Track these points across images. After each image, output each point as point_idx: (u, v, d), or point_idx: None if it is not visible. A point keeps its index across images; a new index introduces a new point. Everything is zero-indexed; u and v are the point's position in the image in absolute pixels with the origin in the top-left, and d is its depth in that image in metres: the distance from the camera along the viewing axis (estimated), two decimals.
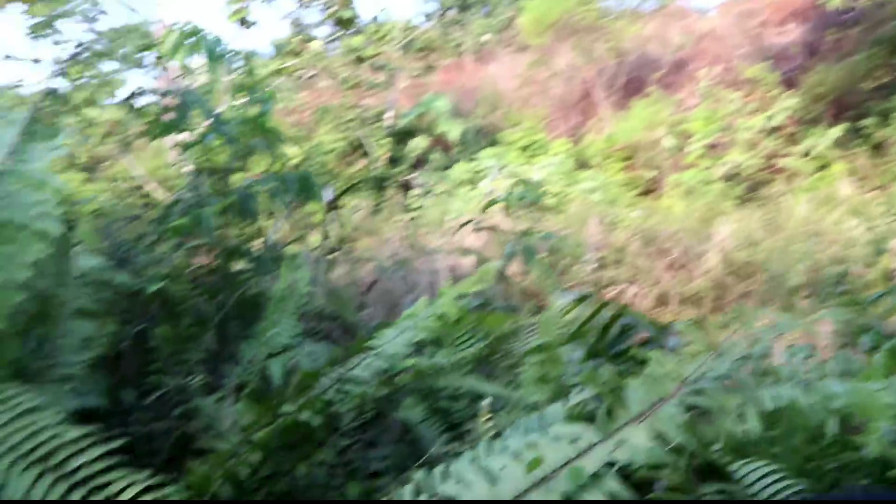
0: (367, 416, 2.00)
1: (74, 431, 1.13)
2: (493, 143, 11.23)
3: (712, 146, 9.82)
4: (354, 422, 1.95)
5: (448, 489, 1.17)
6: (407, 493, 1.31)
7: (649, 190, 10.80)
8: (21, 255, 1.21)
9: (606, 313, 1.30)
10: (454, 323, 2.44)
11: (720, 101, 10.04)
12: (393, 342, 2.09)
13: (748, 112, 9.78)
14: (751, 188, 9.45)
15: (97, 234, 2.80)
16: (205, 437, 1.99)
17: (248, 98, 3.10)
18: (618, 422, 1.21)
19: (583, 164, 11.04)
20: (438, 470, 1.31)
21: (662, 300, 7.04)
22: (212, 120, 2.68)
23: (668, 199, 9.92)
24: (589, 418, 1.26)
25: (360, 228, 7.27)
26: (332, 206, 2.20)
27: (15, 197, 1.25)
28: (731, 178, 9.47)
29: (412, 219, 8.59)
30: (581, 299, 1.30)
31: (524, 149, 11.08)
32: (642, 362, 1.30)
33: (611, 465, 1.12)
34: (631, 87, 11.55)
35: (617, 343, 1.31)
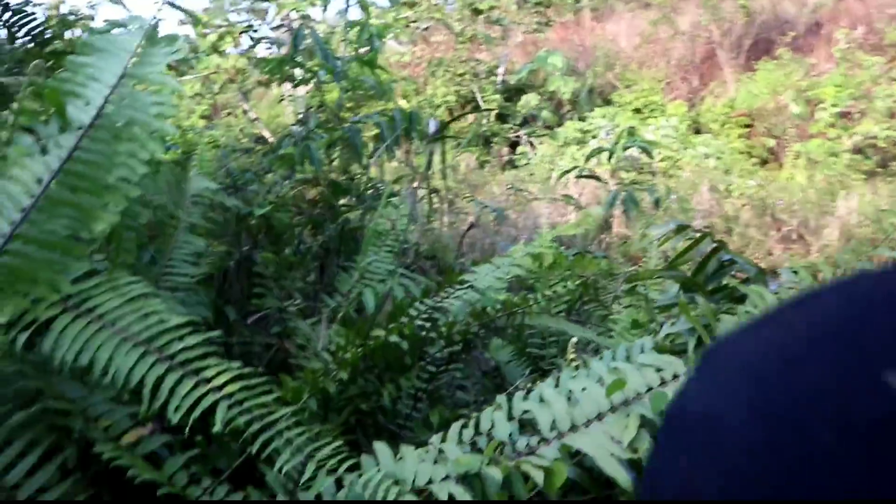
0: (456, 349, 2.02)
1: (177, 319, 1.20)
2: (606, 104, 10.95)
3: (844, 115, 9.19)
4: (442, 352, 1.97)
5: (527, 406, 1.17)
6: (486, 414, 1.33)
7: (768, 159, 10.27)
8: (139, 152, 1.28)
9: (705, 247, 1.25)
10: (550, 266, 2.43)
11: (858, 66, 9.36)
12: (487, 277, 2.10)
13: (889, 78, 9.07)
14: (883, 161, 8.82)
15: (212, 162, 2.93)
16: (299, 356, 2.08)
17: (359, 37, 3.14)
18: None
19: (699, 129, 10.61)
20: (520, 393, 1.32)
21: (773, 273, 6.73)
22: (322, 54, 2.73)
23: (789, 169, 9.41)
24: (678, 352, 1.22)
25: (465, 181, 7.28)
26: (436, 138, 2.20)
27: (136, 97, 1.32)
28: (861, 149, 8.85)
29: (517, 175, 8.53)
30: (679, 229, 1.25)
31: (638, 110, 10.75)
32: (740, 299, 1.25)
33: None
34: (759, 49, 10.94)
35: (714, 278, 1.26)
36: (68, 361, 1.10)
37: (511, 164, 9.66)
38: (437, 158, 2.51)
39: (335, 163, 2.96)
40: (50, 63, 2.13)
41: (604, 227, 2.99)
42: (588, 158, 2.99)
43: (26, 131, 1.33)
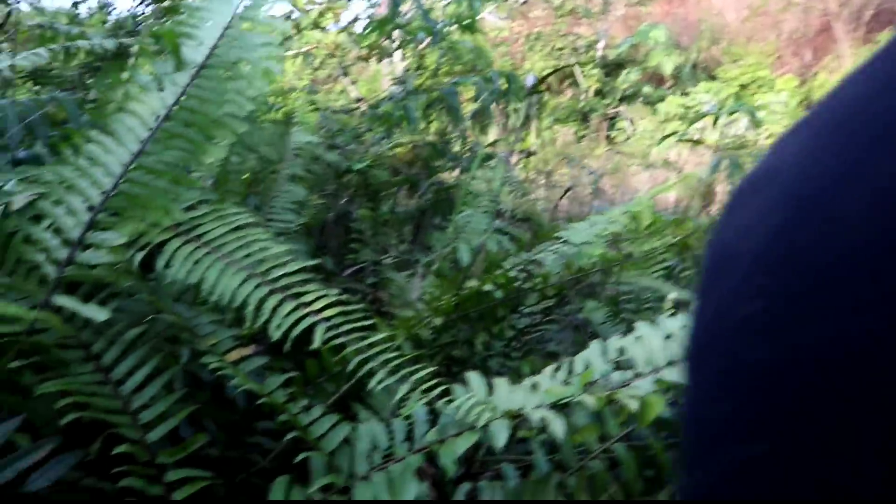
0: (549, 304, 2.01)
1: (280, 248, 1.25)
2: (710, 79, 10.56)
3: None
4: (536, 306, 1.97)
5: (623, 344, 1.15)
6: (581, 356, 1.31)
7: None
8: (247, 90, 1.34)
9: None
10: (647, 227, 2.37)
11: None
12: (583, 233, 2.08)
13: None
14: None
15: (313, 122, 3.01)
16: (394, 305, 2.12)
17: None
18: None
19: (810, 106, 10.08)
20: (615, 336, 1.30)
21: None
22: (422, 15, 2.74)
23: None
24: None
25: (560, 154, 7.20)
26: (533, 91, 2.18)
27: (245, 38, 1.37)
28: None
29: (615, 150, 8.36)
30: None
31: (744, 86, 10.31)
32: None
33: None
34: (881, 20, 10.26)
35: None
36: (179, 280, 1.17)
37: (609, 140, 9.48)
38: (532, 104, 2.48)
39: (432, 124, 2.98)
40: (164, 17, 2.24)
41: (706, 196, 2.90)
42: (691, 123, 2.89)
43: (145, 70, 1.40)
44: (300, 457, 1.06)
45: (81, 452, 1.15)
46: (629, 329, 2.27)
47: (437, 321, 1.83)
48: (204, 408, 1.31)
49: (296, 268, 1.21)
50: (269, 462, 1.47)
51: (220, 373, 1.11)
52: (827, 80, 10.47)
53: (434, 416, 1.19)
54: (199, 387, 1.41)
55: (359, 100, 3.38)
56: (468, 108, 3.32)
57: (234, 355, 1.21)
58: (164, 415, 1.20)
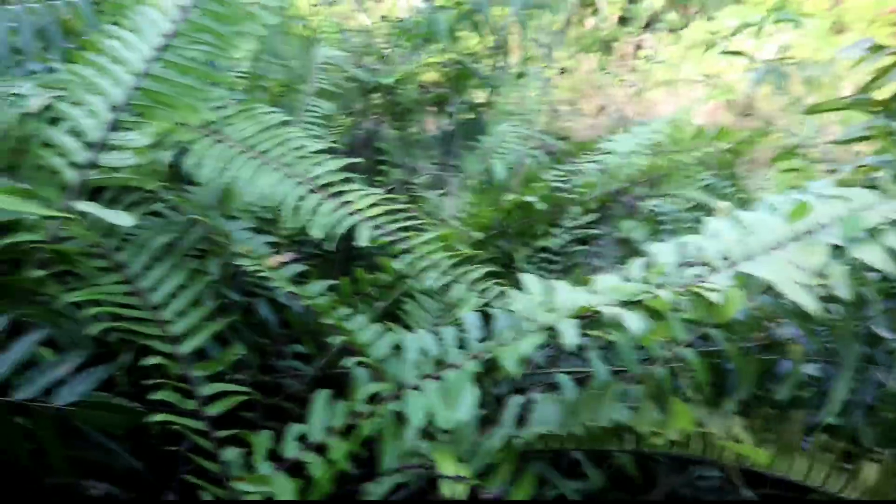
0: (591, 219, 1.92)
1: (317, 146, 1.16)
2: (736, 3, 10.16)
3: None
4: (578, 220, 1.88)
5: (693, 240, 1.06)
6: (635, 263, 1.23)
7: None
8: None
9: None
10: (691, 139, 2.25)
11: None
12: (626, 143, 1.97)
13: None
14: None
15: (337, 40, 2.88)
16: (428, 224, 2.03)
17: None
18: None
19: (841, 29, 9.70)
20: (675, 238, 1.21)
21: None
22: None
23: None
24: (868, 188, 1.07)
25: (586, 83, 6.99)
26: None
27: None
28: None
29: (640, 77, 8.10)
30: (876, 49, 1.08)
31: (772, 10, 9.91)
32: None
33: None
34: None
35: None
36: (212, 179, 1.08)
37: (632, 70, 9.19)
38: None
39: (462, 42, 2.84)
40: None
41: (746, 110, 2.75)
42: (734, 33, 2.74)
43: None
44: (350, 361, 0.99)
45: (110, 367, 1.09)
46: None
47: (476, 235, 1.75)
48: (234, 329, 1.25)
49: (336, 166, 1.12)
50: (305, 387, 1.41)
51: (259, 275, 1.03)
52: (858, 2, 10.05)
53: (488, 323, 1.11)
54: (229, 308, 1.34)
55: (383, 17, 3.23)
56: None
57: (271, 262, 1.14)
58: (196, 328, 1.13)
